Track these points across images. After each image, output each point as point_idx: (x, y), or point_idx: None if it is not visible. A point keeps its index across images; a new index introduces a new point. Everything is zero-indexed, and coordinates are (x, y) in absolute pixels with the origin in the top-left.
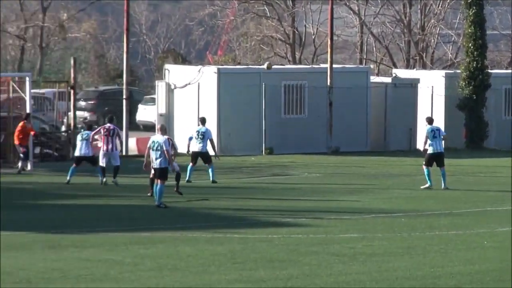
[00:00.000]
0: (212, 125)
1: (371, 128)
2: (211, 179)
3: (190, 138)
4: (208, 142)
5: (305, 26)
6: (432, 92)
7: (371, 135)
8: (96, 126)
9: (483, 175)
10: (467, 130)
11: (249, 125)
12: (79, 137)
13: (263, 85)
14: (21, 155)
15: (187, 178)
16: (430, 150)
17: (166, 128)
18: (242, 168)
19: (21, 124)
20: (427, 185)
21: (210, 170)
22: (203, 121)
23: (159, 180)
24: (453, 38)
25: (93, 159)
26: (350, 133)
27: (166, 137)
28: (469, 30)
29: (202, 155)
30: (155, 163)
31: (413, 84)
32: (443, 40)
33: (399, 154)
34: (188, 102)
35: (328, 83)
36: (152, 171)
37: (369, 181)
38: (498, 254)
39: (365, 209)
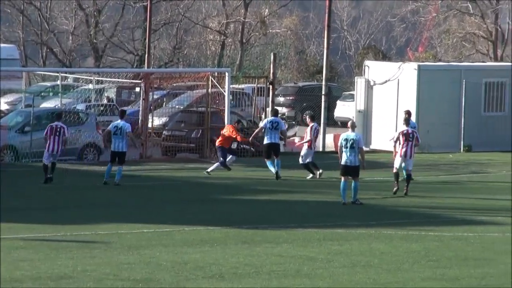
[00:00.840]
0: None
1: None
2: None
3: None
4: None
5: (508, 23)
6: None
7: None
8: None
9: None
10: None
11: (448, 122)
12: (268, 125)
13: (464, 82)
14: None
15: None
16: None
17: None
18: (440, 165)
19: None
20: None
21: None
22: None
23: (353, 178)
24: None
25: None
26: None
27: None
28: None
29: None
30: (348, 161)
31: None
32: None
33: None
34: (387, 98)
35: None
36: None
37: None
38: None
39: None
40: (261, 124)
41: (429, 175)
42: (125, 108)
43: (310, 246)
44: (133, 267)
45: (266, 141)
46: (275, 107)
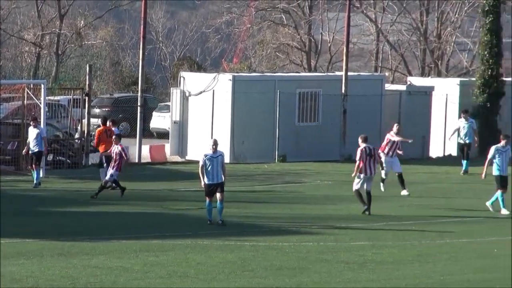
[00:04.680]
0: (225, 133)
1: (384, 136)
2: None
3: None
4: None
5: (321, 33)
6: (446, 100)
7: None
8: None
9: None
10: (480, 138)
11: (263, 133)
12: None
13: (278, 93)
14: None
15: None
16: None
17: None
18: (255, 175)
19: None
20: None
21: None
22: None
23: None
24: (468, 46)
25: None
26: None
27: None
28: (485, 38)
29: None
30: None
31: (427, 92)
32: (459, 48)
33: (412, 162)
34: (203, 109)
35: (343, 91)
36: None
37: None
38: (509, 262)
39: (376, 217)
40: None
41: (245, 185)
42: None
43: (126, 257)
44: None
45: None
46: None
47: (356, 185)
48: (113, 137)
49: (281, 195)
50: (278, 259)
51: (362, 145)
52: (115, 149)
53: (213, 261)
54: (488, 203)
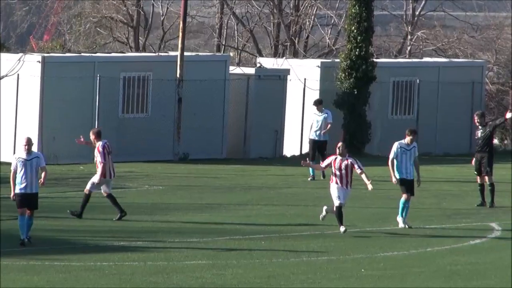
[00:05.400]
0: (33, 127)
1: (228, 130)
2: None
3: None
4: None
5: (152, 5)
6: (304, 86)
7: (228, 139)
8: None
9: (363, 188)
10: (346, 132)
11: (79, 127)
12: None
13: (98, 77)
14: None
15: None
16: None
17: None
18: (68, 179)
19: None
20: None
21: None
22: None
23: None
24: (332, 20)
25: None
26: (202, 136)
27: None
28: (353, 10)
29: None
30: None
31: (281, 76)
32: (321, 23)
33: (262, 162)
34: (5, 98)
35: (178, 75)
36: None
37: (224, 195)
38: (377, 283)
39: (217, 230)
40: None
41: (55, 192)
42: None
43: None
44: None
45: None
46: None
47: (92, 187)
48: None
49: (100, 204)
50: (96, 282)
51: (99, 142)
52: None
53: (14, 285)
54: (398, 218)
